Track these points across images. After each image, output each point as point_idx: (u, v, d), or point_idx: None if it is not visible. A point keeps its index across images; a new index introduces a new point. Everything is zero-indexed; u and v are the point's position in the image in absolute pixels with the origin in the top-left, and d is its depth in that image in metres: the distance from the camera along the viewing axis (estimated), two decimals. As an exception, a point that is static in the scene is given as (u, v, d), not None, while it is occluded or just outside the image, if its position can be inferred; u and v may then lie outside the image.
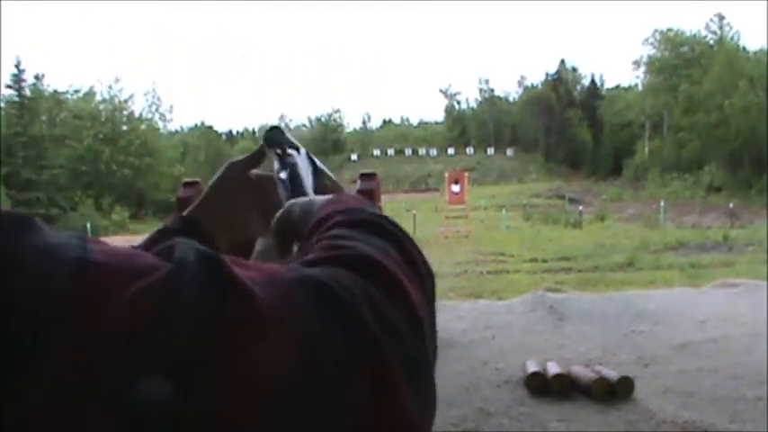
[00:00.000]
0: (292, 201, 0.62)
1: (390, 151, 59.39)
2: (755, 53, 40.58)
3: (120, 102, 47.58)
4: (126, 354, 0.28)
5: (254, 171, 0.79)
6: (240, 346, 0.30)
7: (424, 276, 0.42)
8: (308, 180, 0.71)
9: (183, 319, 0.29)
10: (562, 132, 55.05)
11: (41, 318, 0.27)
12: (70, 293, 0.28)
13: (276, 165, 0.73)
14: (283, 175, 0.71)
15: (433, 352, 0.40)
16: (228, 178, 0.78)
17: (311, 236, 0.46)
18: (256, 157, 0.80)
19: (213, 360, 0.29)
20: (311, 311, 0.33)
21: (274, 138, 0.74)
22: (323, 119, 67.64)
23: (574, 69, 61.14)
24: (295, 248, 0.57)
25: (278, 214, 0.61)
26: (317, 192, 0.72)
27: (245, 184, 0.77)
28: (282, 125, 0.77)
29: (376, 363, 0.33)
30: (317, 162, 0.79)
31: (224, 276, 0.31)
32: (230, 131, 67.54)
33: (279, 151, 0.73)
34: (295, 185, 0.69)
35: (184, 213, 0.76)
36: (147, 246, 0.72)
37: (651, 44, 49.44)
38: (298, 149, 0.75)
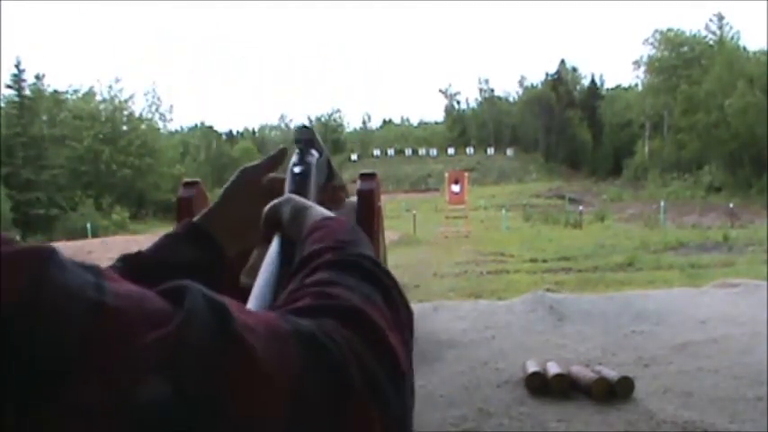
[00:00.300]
0: (287, 197, 0.63)
1: (390, 151, 59.40)
2: (755, 53, 40.57)
3: (120, 102, 47.58)
4: (136, 389, 0.30)
5: (269, 175, 0.79)
6: (241, 390, 0.32)
7: (404, 322, 0.45)
8: (315, 182, 0.73)
9: (192, 367, 0.32)
10: (562, 132, 55.06)
11: (58, 350, 0.29)
12: (86, 332, 0.30)
13: (294, 158, 0.75)
14: (297, 169, 0.73)
15: (412, 401, 0.42)
16: (240, 185, 0.78)
17: (298, 271, 0.49)
18: (270, 163, 0.80)
19: (215, 397, 0.31)
20: (303, 365, 0.35)
21: (303, 135, 0.77)
22: (323, 119, 67.64)
23: (574, 69, 61.18)
24: (275, 240, 0.60)
25: (271, 204, 0.63)
26: (322, 196, 0.74)
27: (256, 190, 0.77)
28: (310, 123, 0.79)
29: (363, 412, 0.36)
30: (335, 170, 0.82)
31: (229, 327, 0.34)
32: (230, 131, 67.53)
33: (301, 146, 0.76)
34: (303, 183, 0.71)
35: (195, 219, 0.76)
36: (154, 250, 0.72)
37: (651, 44, 49.50)
38: (321, 153, 0.78)
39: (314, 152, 0.76)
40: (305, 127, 0.78)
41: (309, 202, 0.63)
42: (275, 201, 0.63)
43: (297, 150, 0.76)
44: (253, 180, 0.78)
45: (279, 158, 0.81)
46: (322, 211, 0.61)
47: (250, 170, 0.79)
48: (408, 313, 0.46)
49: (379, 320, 0.41)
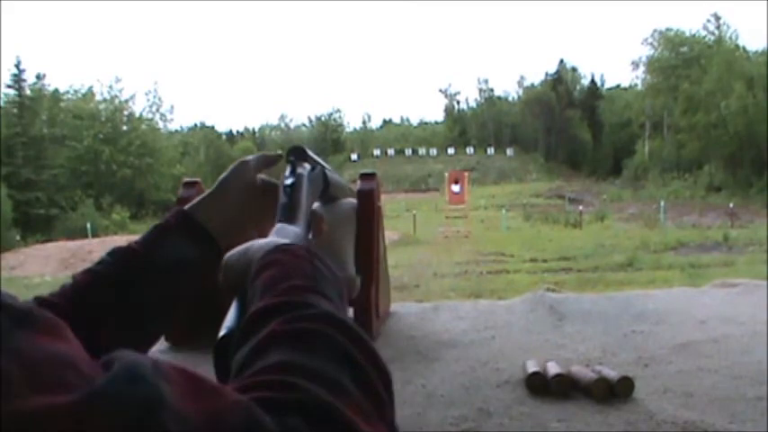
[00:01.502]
0: (231, 253, 0.60)
1: (390, 151, 59.31)
2: (755, 53, 40.55)
3: (120, 102, 47.54)
4: None
5: (261, 176, 0.79)
6: None
7: (383, 402, 0.39)
8: (305, 194, 0.74)
9: None
10: (562, 132, 55.05)
11: None
12: None
13: (287, 170, 0.76)
14: (288, 181, 0.74)
15: None
16: (236, 176, 0.77)
17: (249, 332, 0.42)
18: (268, 160, 0.81)
19: None
20: None
21: (294, 151, 0.80)
22: (323, 119, 67.62)
23: (574, 69, 61.15)
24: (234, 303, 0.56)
25: (222, 264, 0.59)
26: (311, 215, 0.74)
27: (250, 185, 0.77)
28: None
29: None
30: (336, 182, 0.83)
31: (151, 415, 0.28)
32: (230, 131, 67.49)
33: (293, 158, 0.78)
34: (294, 194, 0.73)
35: (187, 207, 0.75)
36: (146, 244, 0.70)
37: (651, 44, 49.44)
38: (314, 168, 0.79)
39: (306, 165, 0.78)
40: (298, 147, 0.80)
41: (252, 242, 0.60)
42: (223, 264, 0.58)
43: (288, 164, 0.77)
44: (250, 175, 0.78)
45: (273, 159, 0.81)
46: (266, 243, 0.57)
47: (248, 163, 0.79)
48: (383, 378, 0.40)
49: (349, 414, 0.35)
